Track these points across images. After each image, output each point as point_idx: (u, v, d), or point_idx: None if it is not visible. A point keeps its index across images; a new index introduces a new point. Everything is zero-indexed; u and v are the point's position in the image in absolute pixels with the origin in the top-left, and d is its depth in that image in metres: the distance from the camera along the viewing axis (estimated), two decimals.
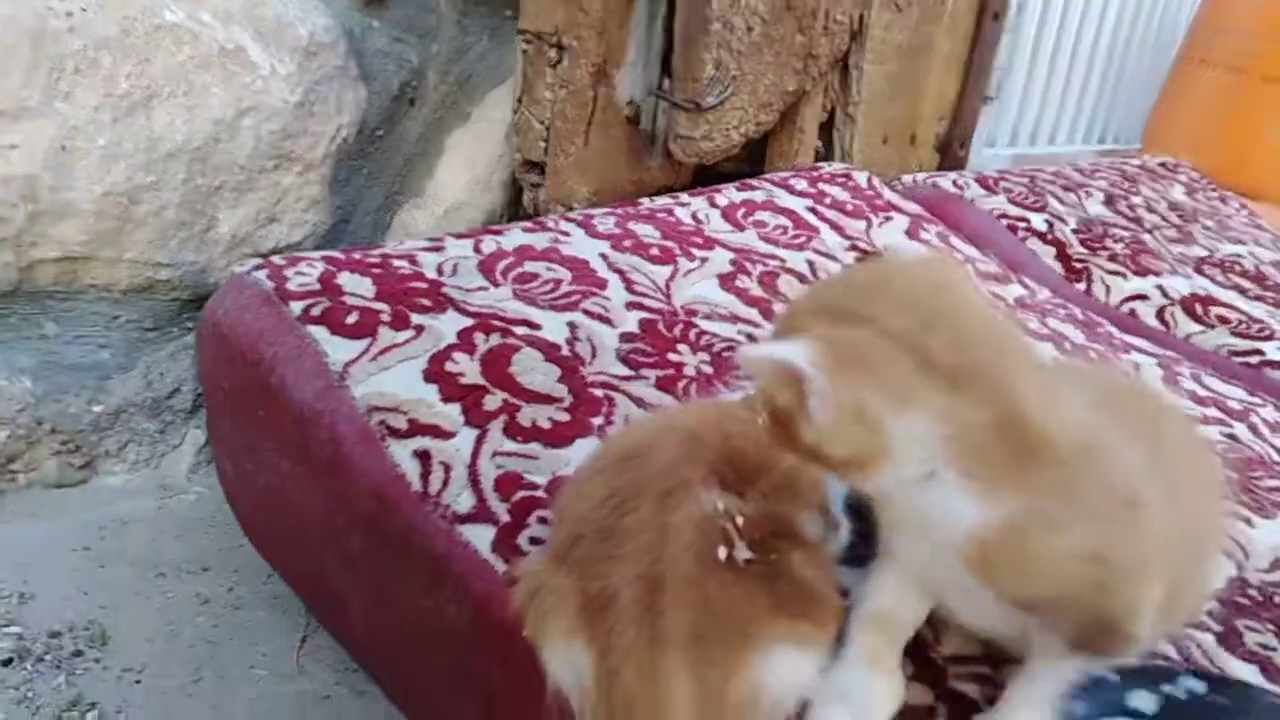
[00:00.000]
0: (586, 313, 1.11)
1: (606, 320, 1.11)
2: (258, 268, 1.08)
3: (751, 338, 1.15)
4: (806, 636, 0.65)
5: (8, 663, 1.07)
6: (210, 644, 1.14)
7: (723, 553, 0.63)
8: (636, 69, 1.57)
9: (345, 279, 1.07)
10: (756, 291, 1.25)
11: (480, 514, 0.84)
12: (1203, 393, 1.30)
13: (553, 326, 1.07)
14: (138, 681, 1.08)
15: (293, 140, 1.45)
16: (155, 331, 1.43)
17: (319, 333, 0.99)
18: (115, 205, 1.30)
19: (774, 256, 1.36)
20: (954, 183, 1.85)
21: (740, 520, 0.66)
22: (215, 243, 1.43)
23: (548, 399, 0.97)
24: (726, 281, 1.26)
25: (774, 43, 1.61)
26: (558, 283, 1.15)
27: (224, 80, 1.36)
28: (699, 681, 0.61)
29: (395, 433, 0.90)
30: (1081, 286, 1.66)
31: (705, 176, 1.81)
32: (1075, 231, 1.79)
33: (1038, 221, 1.78)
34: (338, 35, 1.49)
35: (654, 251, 1.28)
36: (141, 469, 1.41)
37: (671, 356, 1.08)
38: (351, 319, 1.01)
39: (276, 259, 1.09)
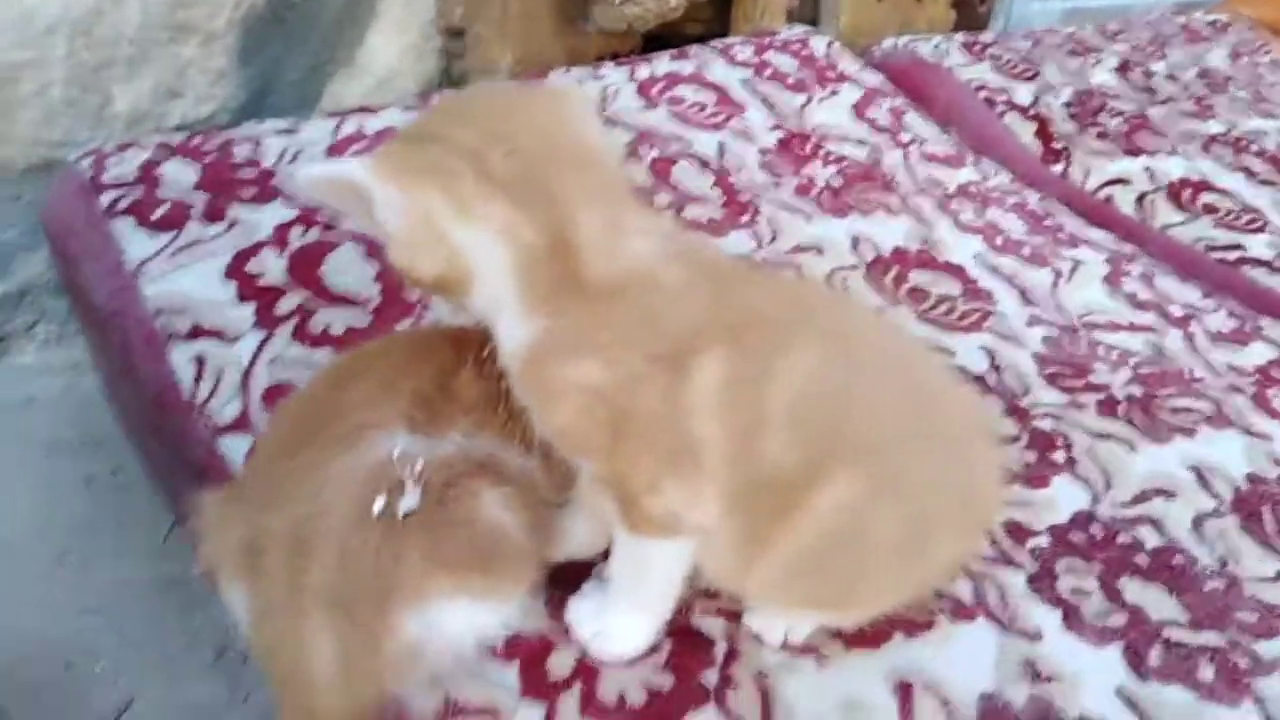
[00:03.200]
0: None
1: None
2: (85, 155, 1.03)
3: None
4: (480, 587, 0.60)
5: None
6: (85, 523, 1.16)
7: (378, 505, 0.58)
8: None
9: (169, 167, 1.01)
10: (640, 179, 1.15)
11: (240, 425, 0.80)
12: (1145, 295, 1.16)
13: None
14: (5, 558, 1.10)
15: (187, 10, 1.37)
16: None
17: (122, 227, 0.94)
18: None
19: (679, 138, 1.24)
20: (935, 47, 1.67)
21: (419, 466, 0.60)
22: (113, 119, 1.38)
23: (353, 301, 0.91)
24: None
25: None
26: None
27: None
28: (340, 640, 0.57)
29: (177, 336, 0.86)
30: (1059, 169, 1.50)
31: (668, 39, 1.68)
32: (1066, 105, 1.60)
33: (1022, 94, 1.60)
34: None
35: None
36: (52, 347, 1.41)
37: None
38: (159, 212, 0.96)
39: (108, 146, 1.04)
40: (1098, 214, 1.40)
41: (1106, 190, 1.46)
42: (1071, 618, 0.74)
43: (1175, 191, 1.45)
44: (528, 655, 0.65)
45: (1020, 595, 0.75)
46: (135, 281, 0.90)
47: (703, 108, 1.32)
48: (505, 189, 0.57)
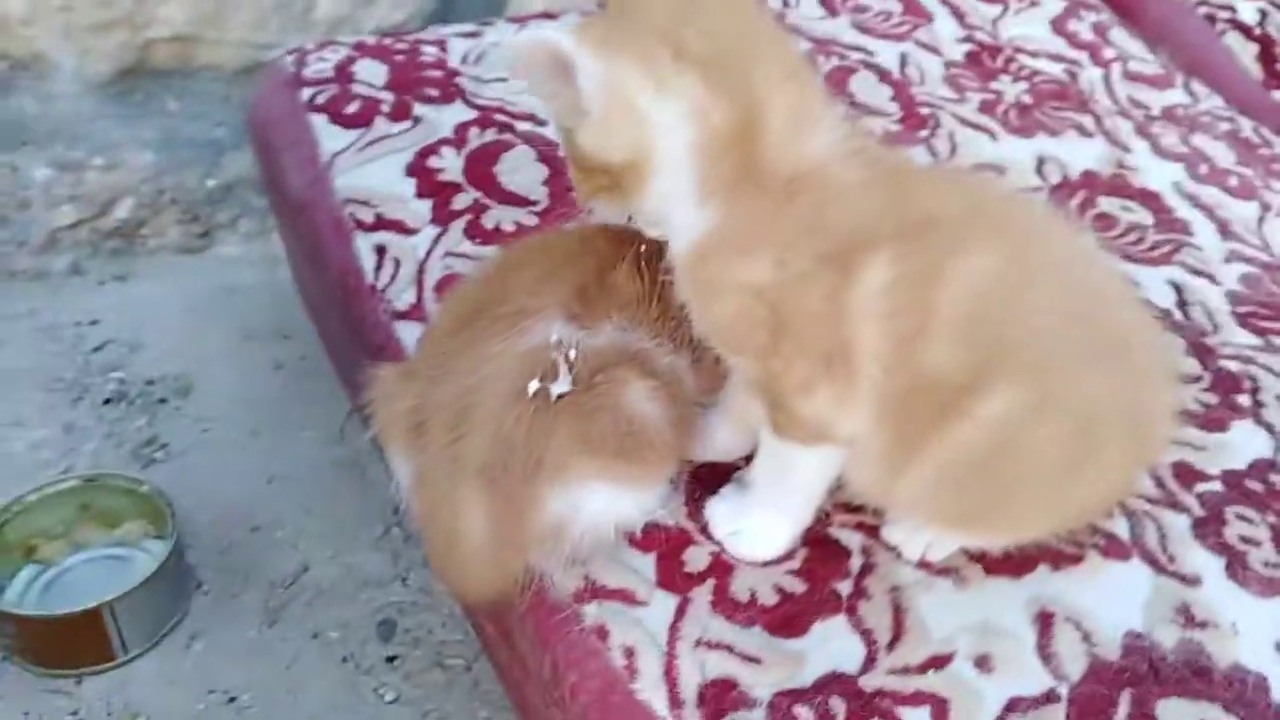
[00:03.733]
0: None
1: None
2: (289, 53, 1.09)
3: None
4: (621, 474, 0.62)
5: (107, 402, 1.24)
6: (274, 404, 1.26)
7: (532, 386, 0.61)
8: None
9: (362, 66, 1.06)
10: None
11: (414, 312, 0.85)
12: None
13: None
14: (205, 430, 1.22)
15: None
16: None
17: (318, 120, 1.00)
18: None
19: (859, 49, 1.20)
20: None
21: (573, 353, 0.62)
22: (317, 24, 1.46)
23: (523, 201, 0.94)
24: None
25: None
26: None
27: None
28: (489, 510, 0.61)
29: (362, 226, 0.92)
30: None
31: None
32: None
33: (1247, 12, 1.45)
34: None
35: None
36: (254, 240, 1.52)
37: None
38: (352, 108, 1.01)
39: (310, 44, 1.10)
40: None
41: None
42: (1236, 565, 0.70)
43: None
44: (665, 546, 0.67)
45: (1181, 539, 0.71)
46: (328, 173, 0.96)
47: (888, 16, 1.27)
48: (701, 67, 0.57)
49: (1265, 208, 1.08)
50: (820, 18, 1.25)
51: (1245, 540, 0.72)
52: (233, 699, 0.98)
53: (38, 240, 1.41)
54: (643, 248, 0.66)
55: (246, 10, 1.39)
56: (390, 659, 1.03)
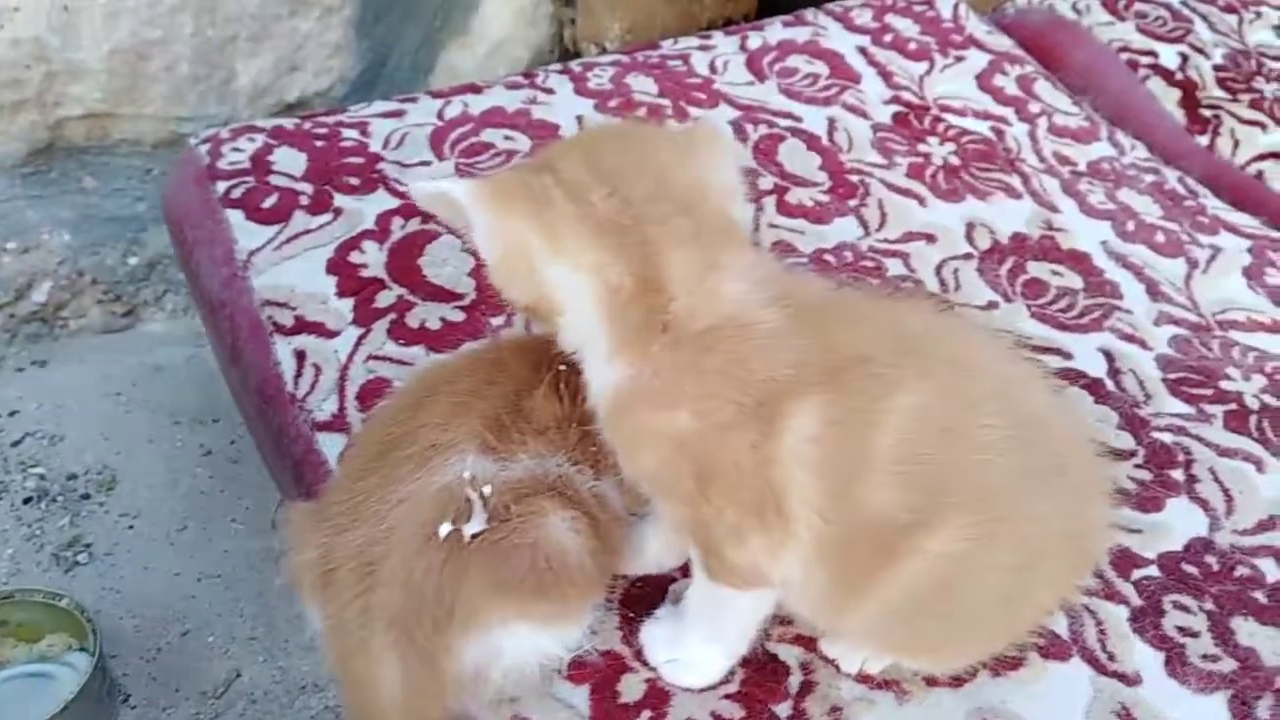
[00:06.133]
0: None
1: None
2: (203, 141, 1.06)
3: None
4: (542, 613, 0.60)
5: (27, 501, 1.19)
6: (202, 495, 1.23)
7: (444, 530, 0.58)
8: None
9: (280, 155, 1.03)
10: (746, 159, 1.12)
11: (336, 423, 0.82)
12: None
13: None
14: (130, 527, 1.18)
15: None
16: None
17: (235, 217, 0.97)
18: (125, 62, 1.32)
19: (788, 114, 1.20)
20: (1074, 7, 1.55)
21: (487, 489, 0.60)
22: (237, 94, 1.43)
23: (450, 296, 0.92)
24: None
25: None
26: (508, 155, 1.07)
27: None
28: (405, 662, 0.58)
29: (280, 329, 0.89)
30: (1205, 140, 1.38)
31: (783, 2, 1.61)
32: (1218, 68, 1.47)
33: (1168, 56, 1.47)
34: None
35: (640, 112, 1.16)
36: (180, 317, 1.48)
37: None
38: (269, 202, 0.98)
39: (224, 130, 1.07)
40: (1246, 192, 1.30)
41: (1257, 165, 1.34)
42: (1175, 661, 0.69)
43: None
44: (599, 677, 0.65)
45: (1121, 634, 0.71)
46: (245, 272, 0.93)
47: (815, 80, 1.27)
48: (599, 228, 0.57)
49: (1192, 264, 1.09)
50: (748, 83, 1.25)
51: (1183, 631, 0.72)
52: None
53: None
54: (562, 367, 0.65)
55: (163, 83, 1.36)
56: None
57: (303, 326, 0.89)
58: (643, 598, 0.69)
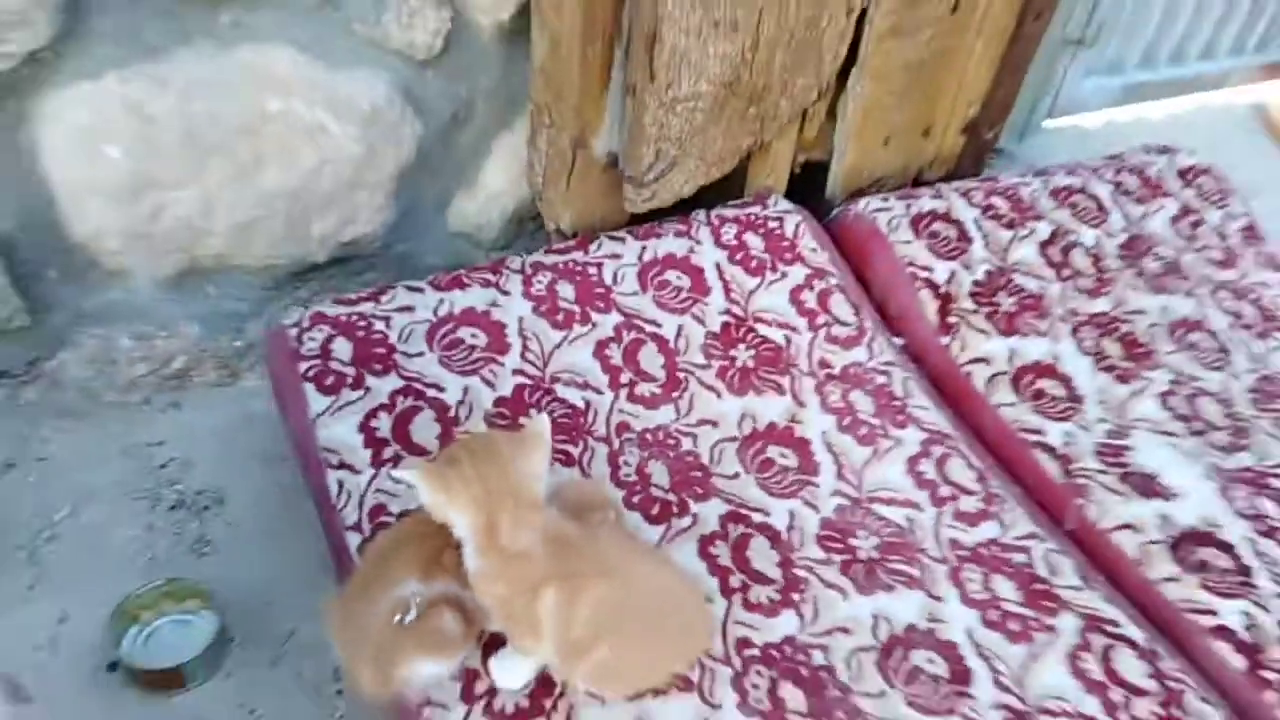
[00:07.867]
0: (481, 379, 1.76)
1: (491, 385, 1.76)
2: (291, 325, 1.79)
3: (589, 404, 1.76)
4: (439, 656, 1.37)
5: (171, 508, 1.97)
6: (285, 509, 1.99)
7: (396, 619, 1.35)
8: (611, 131, 2.06)
9: (337, 345, 1.76)
10: (616, 361, 1.83)
11: (356, 527, 1.58)
12: (931, 475, 1.77)
13: (453, 390, 1.73)
14: (236, 531, 1.95)
15: (361, 173, 2.10)
16: (274, 290, 2.21)
17: (309, 389, 1.71)
18: (241, 231, 2.04)
19: (654, 322, 1.90)
20: (889, 222, 2.19)
21: (419, 599, 1.36)
22: (310, 239, 2.15)
23: (423, 452, 1.66)
24: (599, 350, 1.83)
25: (721, 119, 2.02)
26: (472, 348, 1.79)
27: (311, 145, 2.02)
28: (378, 671, 1.35)
29: (330, 465, 1.64)
30: (946, 342, 2.05)
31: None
32: (975, 284, 2.12)
33: (940, 272, 2.11)
34: (394, 98, 2.07)
35: (558, 317, 1.87)
36: (266, 379, 2.23)
37: (523, 419, 1.72)
38: (329, 380, 1.72)
39: (305, 319, 1.80)
40: (956, 388, 1.98)
41: (968, 368, 2.02)
42: (744, 703, 1.45)
43: (1020, 375, 1.99)
44: (466, 681, 1.42)
45: (721, 681, 1.46)
46: (314, 426, 1.67)
47: (679, 293, 1.96)
48: (472, 500, 1.26)
49: (873, 452, 1.80)
50: (633, 293, 1.94)
51: (755, 686, 1.47)
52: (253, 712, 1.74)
53: (121, 383, 2.12)
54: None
55: (263, 238, 2.08)
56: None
57: (343, 465, 1.63)
58: (491, 643, 1.45)
